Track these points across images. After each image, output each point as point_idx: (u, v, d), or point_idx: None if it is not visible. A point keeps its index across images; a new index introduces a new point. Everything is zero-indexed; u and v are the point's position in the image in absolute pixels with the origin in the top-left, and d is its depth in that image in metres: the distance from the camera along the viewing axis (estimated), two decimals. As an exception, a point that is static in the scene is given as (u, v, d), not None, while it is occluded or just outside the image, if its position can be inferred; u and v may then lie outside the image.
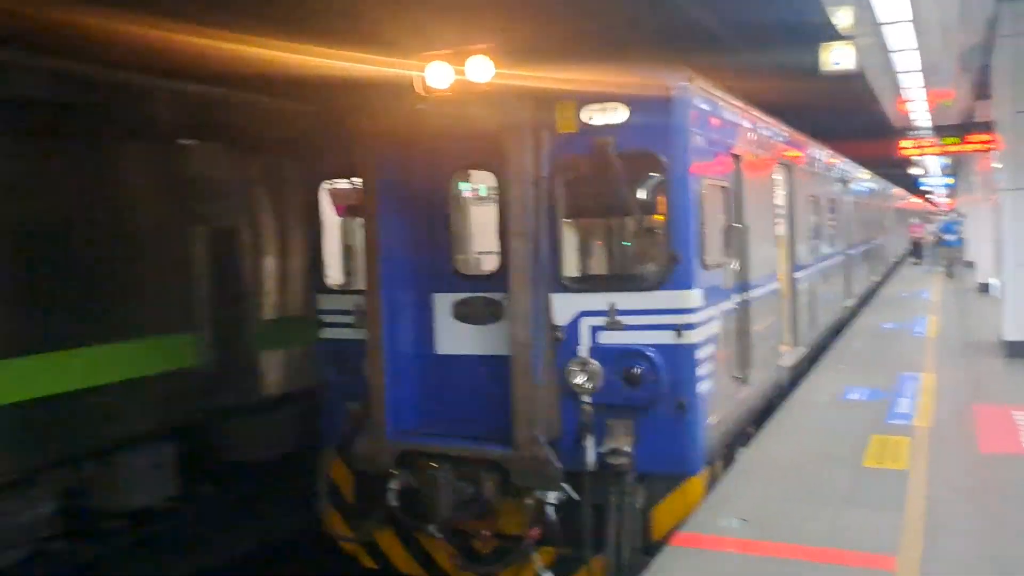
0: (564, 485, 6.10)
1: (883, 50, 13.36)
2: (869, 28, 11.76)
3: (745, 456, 7.36)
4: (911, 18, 11.34)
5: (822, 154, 13.82)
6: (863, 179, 20.31)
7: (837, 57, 11.41)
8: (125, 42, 8.14)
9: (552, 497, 6.11)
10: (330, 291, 7.42)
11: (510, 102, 6.16)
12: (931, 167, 35.37)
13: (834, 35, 11.23)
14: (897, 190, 34.10)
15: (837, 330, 14.39)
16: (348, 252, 7.88)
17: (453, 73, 6.20)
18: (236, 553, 9.43)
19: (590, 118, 6.22)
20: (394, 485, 6.56)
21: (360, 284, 6.97)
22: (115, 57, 9.12)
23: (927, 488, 6.25)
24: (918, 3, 10.72)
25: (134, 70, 9.54)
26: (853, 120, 19.14)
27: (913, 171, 34.62)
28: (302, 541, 9.25)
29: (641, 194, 6.53)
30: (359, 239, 7.01)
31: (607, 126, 6.18)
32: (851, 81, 12.75)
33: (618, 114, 6.17)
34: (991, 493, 6.21)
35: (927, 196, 55.44)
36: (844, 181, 16.22)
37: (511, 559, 6.42)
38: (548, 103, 6.27)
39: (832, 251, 14.14)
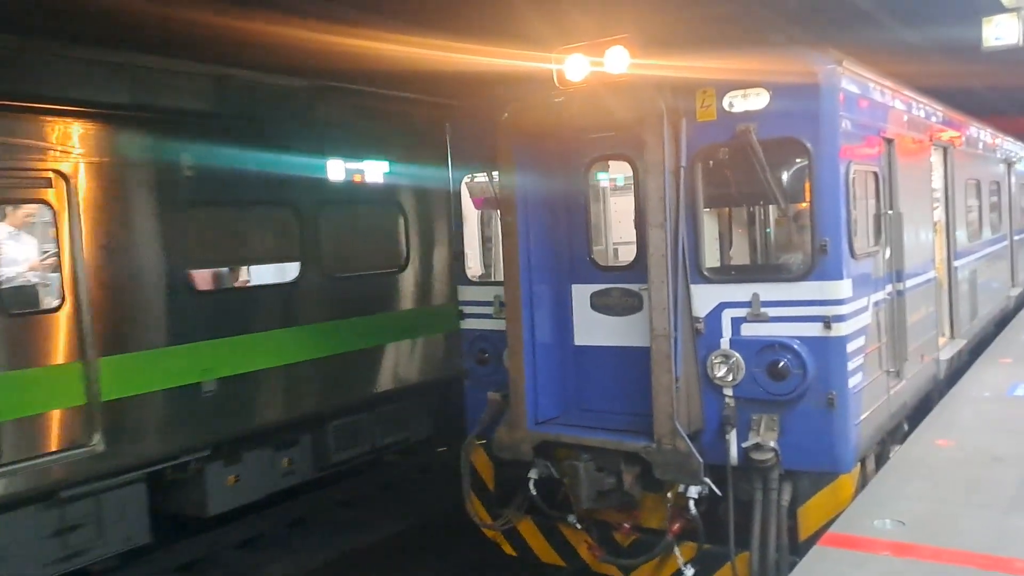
0: (706, 479, 6.02)
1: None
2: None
3: (900, 454, 7.01)
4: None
5: (984, 134, 12.89)
6: (1030, 159, 18.77)
7: (999, 31, 10.58)
8: (272, 45, 8.64)
9: (694, 491, 6.05)
10: (471, 283, 7.62)
11: (647, 91, 6.12)
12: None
13: (996, 7, 10.42)
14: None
15: (1001, 321, 13.41)
16: (486, 245, 8.08)
17: (590, 65, 6.23)
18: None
19: (731, 105, 6.08)
20: (534, 474, 6.69)
21: (499, 276, 7.13)
22: (264, 60, 9.70)
23: (1107, 494, 5.75)
24: (1097, -36, 9.79)
25: (291, 73, 10.14)
26: (1019, 97, 17.69)
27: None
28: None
29: (785, 181, 6.34)
30: (497, 231, 7.16)
31: (749, 112, 6.02)
32: (1017, 55, 11.79)
33: (760, 100, 6.00)
34: None
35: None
36: (1009, 162, 15.06)
37: (652, 553, 6.41)
38: (687, 91, 6.18)
39: (995, 237, 13.18)
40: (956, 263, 9.97)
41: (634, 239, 6.87)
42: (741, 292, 6.13)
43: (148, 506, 8.35)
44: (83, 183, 7.77)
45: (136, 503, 8.22)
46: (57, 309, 7.58)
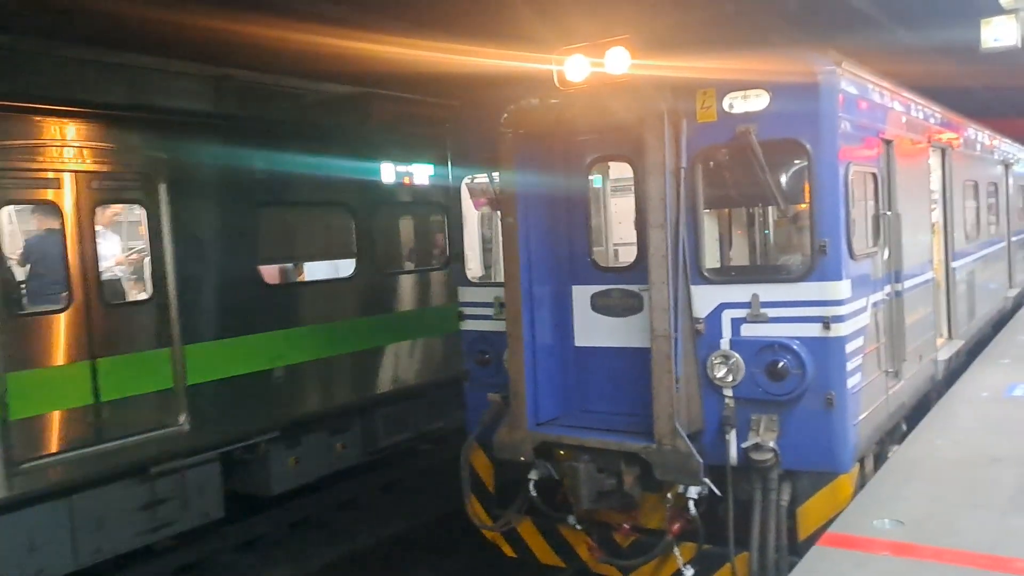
0: (706, 480, 6.03)
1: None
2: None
3: (899, 454, 7.03)
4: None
5: (982, 136, 12.92)
6: (1028, 161, 18.80)
7: (997, 33, 10.60)
8: (275, 47, 8.71)
9: (694, 492, 6.06)
10: (471, 284, 7.62)
11: (648, 92, 6.13)
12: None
13: (995, 9, 10.45)
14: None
15: (999, 322, 13.44)
16: (486, 246, 8.09)
17: (591, 66, 6.24)
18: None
19: (731, 106, 6.10)
20: (534, 475, 6.69)
21: (499, 277, 7.14)
22: (268, 64, 9.80)
23: (1106, 494, 5.77)
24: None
25: (287, 74, 10.31)
26: (1018, 97, 17.73)
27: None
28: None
29: (785, 182, 6.36)
30: (498, 232, 7.17)
31: (749, 113, 6.04)
32: (1015, 56, 11.82)
33: (760, 101, 6.01)
34: None
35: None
36: (1007, 164, 15.10)
37: (652, 553, 6.42)
38: (687, 92, 6.20)
39: (992, 238, 13.21)
40: (954, 264, 9.99)
41: (634, 240, 6.88)
42: (741, 293, 6.15)
43: (222, 484, 9.09)
44: (169, 185, 8.42)
45: (213, 480, 9.00)
46: (147, 301, 8.39)
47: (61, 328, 7.69)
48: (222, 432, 8.90)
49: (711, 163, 6.33)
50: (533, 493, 6.70)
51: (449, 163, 7.74)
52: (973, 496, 5.89)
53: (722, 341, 6.20)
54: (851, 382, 6.08)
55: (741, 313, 6.14)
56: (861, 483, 6.40)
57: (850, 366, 6.07)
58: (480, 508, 7.42)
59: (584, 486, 6.27)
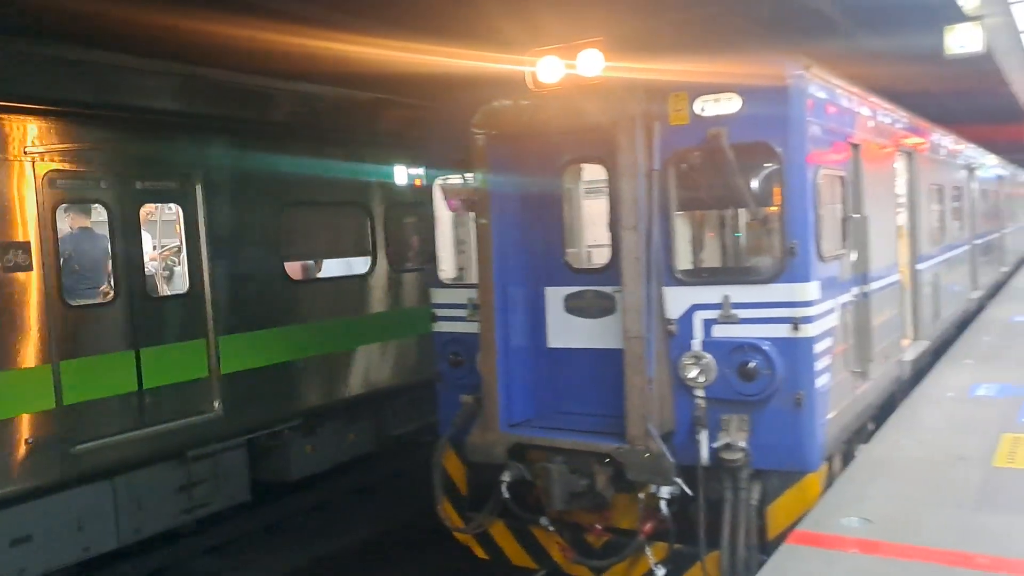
0: (678, 480, 6.07)
1: (1012, 30, 12.61)
2: (998, 8, 11.12)
3: (866, 453, 7.14)
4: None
5: (946, 140, 13.17)
6: (991, 166, 19.21)
7: (962, 40, 10.81)
8: (248, 47, 8.64)
9: (665, 492, 6.10)
10: (443, 285, 7.61)
11: (621, 95, 6.17)
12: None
13: (959, 16, 10.66)
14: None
15: (963, 323, 13.69)
16: (460, 247, 8.06)
17: (564, 67, 6.26)
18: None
19: (702, 109, 6.16)
20: (506, 477, 6.69)
21: (472, 278, 7.13)
22: (240, 63, 9.69)
23: (1066, 491, 5.91)
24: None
25: (258, 74, 10.24)
26: (981, 104, 18.09)
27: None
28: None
29: (756, 185, 6.43)
30: (472, 234, 7.16)
31: (720, 116, 6.10)
32: (978, 63, 12.06)
33: (732, 104, 6.08)
34: None
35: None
36: (970, 168, 15.40)
37: (624, 554, 6.45)
38: (660, 94, 6.24)
39: (957, 241, 13.46)
40: (919, 266, 10.17)
41: (608, 242, 6.92)
42: (712, 294, 6.20)
43: (248, 469, 9.69)
44: (205, 186, 9.05)
45: (241, 465, 9.62)
46: (184, 295, 9.00)
47: (108, 319, 8.25)
48: (251, 419, 9.50)
49: (683, 165, 6.38)
50: (506, 495, 6.69)
51: (424, 164, 7.72)
52: (938, 494, 6.01)
53: (694, 342, 6.25)
54: (819, 382, 6.16)
55: (713, 314, 6.20)
56: (829, 482, 6.49)
57: (818, 366, 6.15)
58: (452, 510, 7.40)
59: (557, 487, 6.28)
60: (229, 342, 9.18)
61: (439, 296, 7.57)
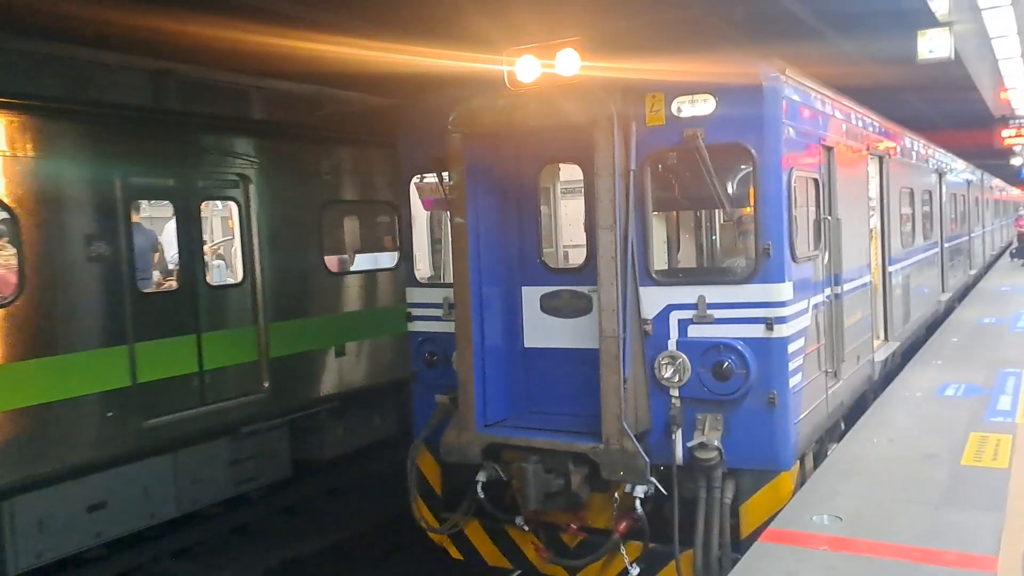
0: (652, 479, 6.10)
1: (982, 36, 12.83)
2: (967, 14, 11.31)
3: (837, 452, 7.22)
4: (1010, 1, 10.87)
5: (917, 144, 13.35)
6: (960, 171, 19.51)
7: (933, 45, 11.00)
8: (231, 46, 8.61)
9: (640, 491, 6.12)
10: (419, 284, 7.58)
11: (598, 95, 6.19)
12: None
13: (931, 22, 10.83)
14: (997, 181, 32.53)
15: (932, 325, 13.89)
16: (436, 246, 8.05)
17: (541, 67, 6.27)
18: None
19: (679, 110, 6.19)
20: (482, 477, 6.68)
21: (448, 278, 7.11)
22: (225, 61, 9.66)
23: (1032, 489, 6.01)
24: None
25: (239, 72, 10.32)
26: (951, 109, 18.39)
27: (1016, 161, 32.93)
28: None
29: (731, 186, 6.48)
30: (448, 233, 7.15)
31: (696, 117, 6.13)
32: (949, 69, 12.26)
33: (708, 105, 6.12)
34: (1103, 496, 5.92)
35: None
36: (940, 172, 15.63)
37: (599, 553, 6.46)
38: (637, 95, 6.27)
39: (927, 244, 13.66)
40: (890, 268, 10.29)
41: (584, 242, 6.93)
42: (688, 294, 6.24)
43: (290, 448, 10.43)
44: (257, 185, 9.83)
45: (284, 443, 10.36)
46: (239, 284, 9.79)
47: (175, 306, 9.01)
48: (294, 401, 10.26)
49: (659, 166, 6.42)
50: (481, 495, 6.69)
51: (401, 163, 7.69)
52: (907, 492, 6.08)
53: (669, 342, 6.28)
54: (792, 382, 6.22)
55: (688, 314, 6.23)
56: (801, 480, 6.55)
57: (792, 366, 6.21)
58: (427, 511, 7.37)
59: (532, 487, 6.27)
60: (277, 329, 9.94)
61: (415, 295, 7.54)
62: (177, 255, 9.32)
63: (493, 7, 8.15)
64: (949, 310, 15.92)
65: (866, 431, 7.72)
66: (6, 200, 7.55)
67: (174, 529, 9.41)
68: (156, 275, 9.78)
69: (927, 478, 6.32)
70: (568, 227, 7.81)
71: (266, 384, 9.76)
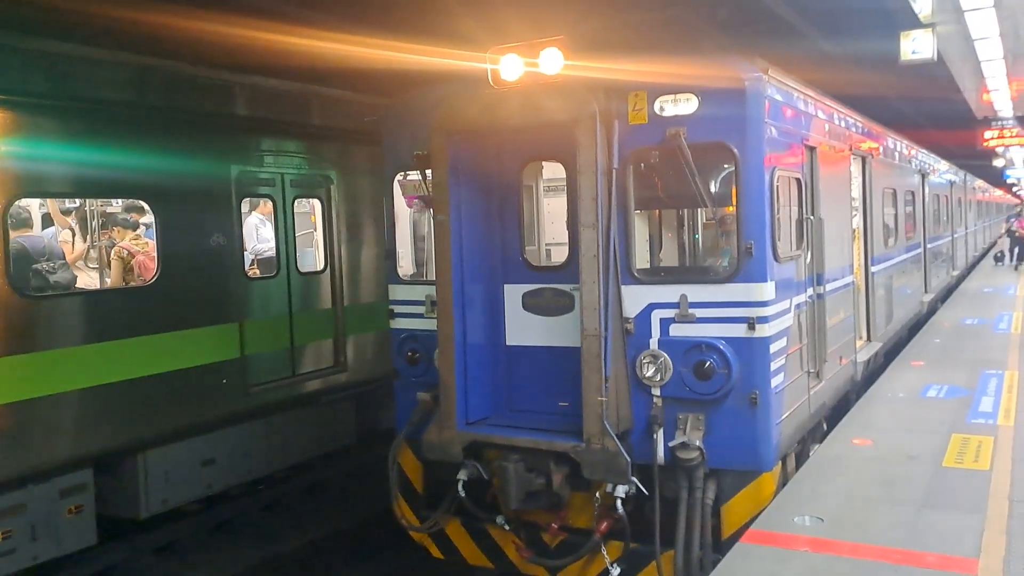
0: (633, 479, 6.07)
1: (965, 38, 12.90)
2: (950, 15, 11.37)
3: (819, 453, 7.22)
4: (992, 3, 10.93)
5: (900, 145, 13.41)
6: (943, 171, 19.64)
7: (916, 46, 11.05)
8: (212, 40, 8.54)
9: (621, 491, 6.09)
10: (402, 281, 7.53)
11: (581, 93, 6.16)
12: (1016, 157, 33.88)
13: (914, 23, 10.88)
14: (979, 182, 32.78)
15: (915, 325, 13.96)
16: (419, 244, 8.00)
17: (525, 65, 6.24)
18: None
19: (662, 109, 6.18)
20: (463, 476, 6.64)
21: (431, 275, 7.07)
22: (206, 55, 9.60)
23: (1011, 490, 6.03)
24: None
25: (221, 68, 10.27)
26: (934, 110, 18.49)
27: (998, 163, 33.22)
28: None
29: (713, 185, 6.46)
30: (430, 231, 7.10)
31: (679, 116, 6.12)
32: (932, 70, 12.32)
33: (690, 104, 6.11)
34: (1081, 496, 5.95)
35: (1013, 189, 53.30)
36: (923, 173, 15.71)
37: (580, 553, 6.43)
38: (619, 94, 6.25)
39: (910, 245, 13.72)
40: (873, 269, 10.32)
41: (566, 240, 6.90)
42: (670, 293, 6.22)
43: (356, 418, 11.61)
44: (339, 185, 11.09)
45: (351, 413, 11.58)
46: (322, 272, 11.01)
47: (274, 290, 10.24)
48: (363, 376, 11.26)
49: (642, 165, 6.39)
50: (462, 493, 6.65)
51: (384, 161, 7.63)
52: (889, 493, 6.10)
53: (651, 341, 6.26)
54: (775, 382, 6.21)
55: (670, 313, 6.21)
56: (783, 481, 6.55)
57: (774, 366, 6.20)
58: (408, 509, 7.32)
59: (513, 486, 6.25)
60: (351, 310, 11.09)
61: (397, 292, 7.48)
62: (276, 246, 10.54)
63: (477, 6, 8.11)
64: (932, 311, 16.02)
65: (848, 432, 7.73)
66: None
67: (155, 526, 9.30)
68: (268, 262, 10.86)
69: (909, 479, 6.34)
70: (551, 225, 7.78)
71: (344, 359, 11.02)
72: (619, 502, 6.11)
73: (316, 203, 11.17)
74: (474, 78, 6.48)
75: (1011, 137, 18.93)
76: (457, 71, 6.72)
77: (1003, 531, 5.28)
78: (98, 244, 9.81)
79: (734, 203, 6.23)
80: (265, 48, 8.86)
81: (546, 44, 6.19)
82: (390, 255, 7.59)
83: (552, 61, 6.16)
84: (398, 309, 7.45)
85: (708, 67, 6.26)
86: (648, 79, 6.19)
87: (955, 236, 21.64)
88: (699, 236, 7.67)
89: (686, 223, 7.65)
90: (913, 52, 10.75)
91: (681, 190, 6.33)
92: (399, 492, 7.20)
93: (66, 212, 10.07)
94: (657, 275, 6.62)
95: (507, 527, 6.74)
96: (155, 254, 8.84)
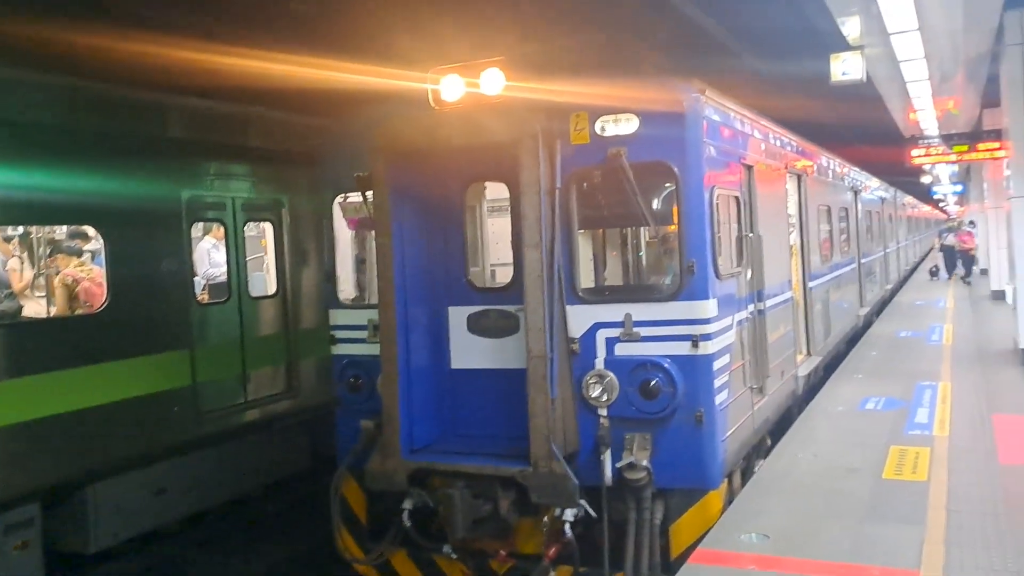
0: (582, 501, 6.01)
1: (892, 60, 13.33)
2: (877, 38, 11.74)
3: (764, 469, 7.28)
4: (918, 27, 11.32)
5: (833, 163, 13.77)
6: (875, 188, 20.25)
7: (846, 67, 11.39)
8: (150, 62, 8.35)
9: (570, 514, 6.02)
10: (343, 306, 7.37)
11: (522, 113, 6.14)
12: (942, 175, 35.18)
13: (843, 45, 11.21)
14: (909, 198, 33.92)
15: (852, 339, 14.28)
16: (360, 267, 7.85)
17: (466, 86, 6.20)
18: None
19: (603, 129, 6.20)
20: (408, 505, 6.48)
21: (373, 299, 6.93)
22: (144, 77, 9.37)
23: (948, 500, 6.16)
24: (924, 13, 10.69)
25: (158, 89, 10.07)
26: (865, 129, 19.08)
27: (925, 179, 34.42)
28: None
29: (655, 204, 6.50)
30: (373, 253, 6.98)
31: (620, 136, 6.15)
32: (862, 90, 12.71)
33: (631, 124, 6.15)
34: (1013, 504, 6.10)
35: (939, 204, 55.37)
36: (856, 190, 16.17)
37: None
38: (561, 114, 6.25)
39: (845, 260, 14.06)
40: (811, 284, 10.53)
41: (511, 260, 6.85)
42: (615, 312, 6.21)
43: (308, 445, 11.65)
44: (290, 208, 11.00)
45: (304, 438, 11.48)
46: (274, 296, 10.90)
47: (225, 315, 10.10)
48: (316, 400, 10.99)
49: (585, 184, 6.39)
50: (407, 523, 6.48)
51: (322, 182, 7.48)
52: (832, 507, 6.16)
53: (597, 360, 6.23)
54: (719, 399, 6.24)
55: (615, 332, 6.20)
56: (730, 498, 6.57)
57: (718, 383, 6.23)
58: (351, 541, 7.11)
59: (460, 514, 6.11)
60: (303, 335, 11.02)
61: (338, 317, 7.32)
62: (227, 270, 10.46)
63: (418, 26, 8.08)
64: (868, 324, 16.43)
65: (792, 446, 7.82)
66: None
67: (105, 560, 8.90)
68: (220, 288, 10.74)
69: (851, 493, 6.42)
70: (495, 246, 7.73)
71: (294, 384, 11.01)
72: (567, 526, 6.03)
73: (267, 227, 11.10)
74: (415, 98, 6.42)
75: (937, 155, 19.63)
76: (398, 91, 6.65)
77: (942, 541, 5.37)
78: (45, 272, 9.51)
79: (675, 222, 6.27)
80: (207, 70, 8.70)
81: (487, 65, 6.18)
82: (330, 279, 7.42)
83: (493, 81, 6.15)
84: (339, 334, 7.28)
85: (647, 88, 6.31)
86: (589, 100, 6.20)
87: (887, 251, 22.31)
88: (643, 254, 7.70)
89: (630, 242, 7.67)
90: (843, 73, 11.07)
91: (624, 209, 6.34)
92: (342, 524, 6.99)
93: (8, 239, 9.73)
94: (602, 294, 6.61)
95: (454, 556, 6.58)
96: (102, 281, 8.71)
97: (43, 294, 9.49)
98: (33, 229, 9.56)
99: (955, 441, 7.75)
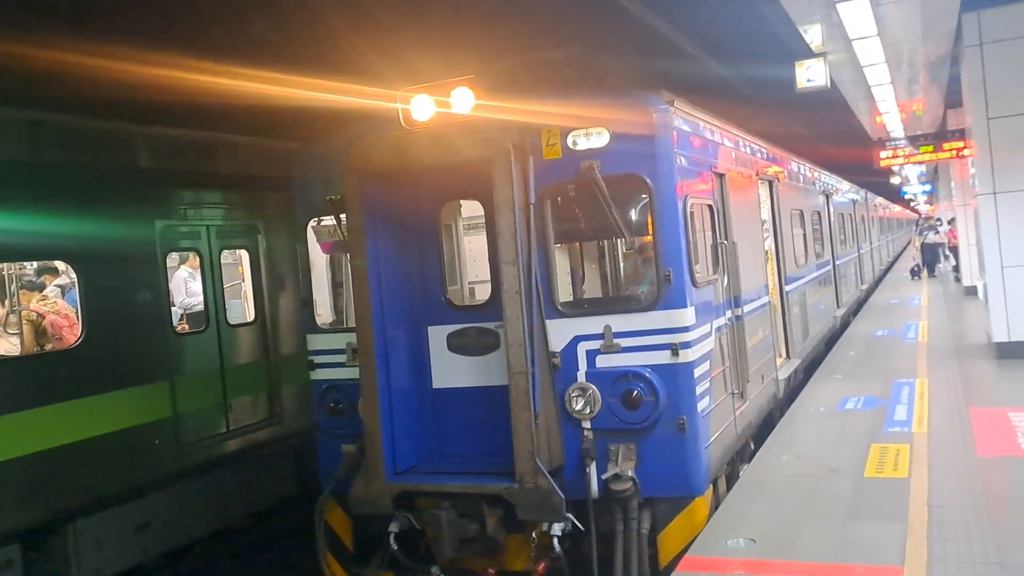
0: (569, 515, 6.01)
1: (855, 65, 13.58)
2: (840, 44, 11.96)
3: (748, 473, 7.32)
4: (877, 33, 11.55)
5: (804, 168, 13.95)
6: (846, 191, 20.52)
7: (810, 74, 11.58)
8: (115, 93, 8.30)
9: (557, 528, 6.02)
10: (321, 330, 7.34)
11: (494, 131, 6.18)
12: (910, 175, 35.73)
13: (807, 52, 11.40)
14: (880, 200, 34.38)
15: (831, 340, 14.42)
16: (337, 290, 7.83)
17: (436, 105, 6.23)
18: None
19: (575, 143, 6.25)
20: (394, 528, 6.44)
21: (351, 322, 6.91)
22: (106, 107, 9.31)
23: (929, 495, 6.22)
24: (883, 19, 10.92)
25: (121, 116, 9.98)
26: (834, 132, 19.36)
27: (895, 180, 34.93)
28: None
29: (629, 216, 6.55)
30: (349, 276, 6.96)
31: (592, 150, 6.20)
32: (828, 95, 12.91)
33: (602, 138, 6.20)
34: (993, 497, 6.18)
35: (910, 204, 56.20)
36: (827, 193, 16.37)
37: None
38: (533, 129, 6.30)
39: (820, 263, 14.22)
40: (787, 288, 10.64)
41: (489, 277, 6.87)
42: (594, 325, 6.24)
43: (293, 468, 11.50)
44: (266, 234, 10.88)
45: (289, 466, 11.35)
46: (252, 323, 10.80)
47: (204, 344, 10.00)
48: (300, 425, 10.89)
49: (559, 198, 6.43)
50: (394, 546, 6.44)
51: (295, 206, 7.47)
52: (816, 508, 6.21)
53: (578, 373, 6.25)
54: (701, 406, 6.27)
55: (595, 345, 6.23)
56: (715, 504, 6.59)
57: (699, 390, 6.27)
58: (338, 568, 7.04)
59: (447, 534, 6.09)
60: (284, 361, 10.89)
61: (316, 342, 7.28)
62: (204, 299, 10.35)
63: (387, 46, 8.10)
64: (845, 324, 16.60)
65: (774, 449, 7.87)
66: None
67: None
68: (197, 317, 10.69)
69: (834, 493, 6.47)
70: (473, 263, 7.74)
71: (278, 411, 10.89)
72: (556, 541, 6.03)
73: (243, 254, 11.02)
74: (386, 119, 6.44)
75: (904, 157, 19.96)
76: (369, 112, 6.67)
77: (924, 537, 5.42)
78: (17, 309, 9.29)
79: (650, 232, 6.33)
80: (174, 97, 8.67)
81: (456, 83, 6.22)
82: (307, 304, 7.39)
83: (463, 100, 6.18)
84: (318, 359, 7.24)
85: (617, 101, 6.38)
86: (559, 116, 6.26)
87: (861, 252, 22.58)
88: (620, 266, 7.75)
89: (607, 254, 7.73)
90: (808, 80, 11.24)
91: (598, 222, 6.39)
92: (328, 550, 6.92)
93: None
94: (581, 307, 6.64)
95: None
96: (68, 314, 8.68)
97: (16, 331, 9.27)
98: (3, 266, 9.40)
99: (934, 436, 7.84)
